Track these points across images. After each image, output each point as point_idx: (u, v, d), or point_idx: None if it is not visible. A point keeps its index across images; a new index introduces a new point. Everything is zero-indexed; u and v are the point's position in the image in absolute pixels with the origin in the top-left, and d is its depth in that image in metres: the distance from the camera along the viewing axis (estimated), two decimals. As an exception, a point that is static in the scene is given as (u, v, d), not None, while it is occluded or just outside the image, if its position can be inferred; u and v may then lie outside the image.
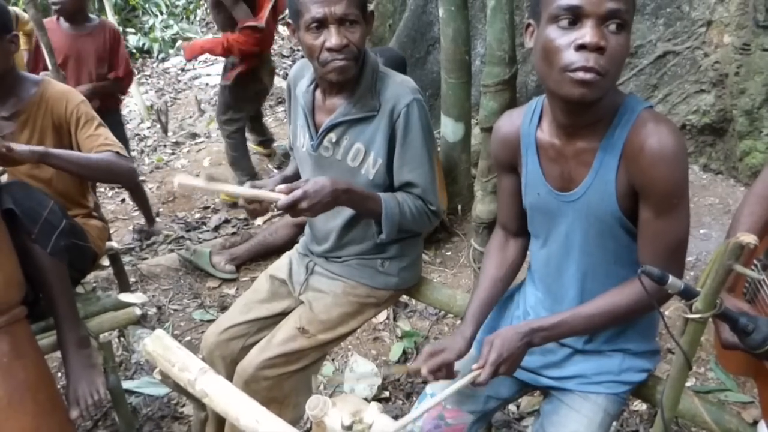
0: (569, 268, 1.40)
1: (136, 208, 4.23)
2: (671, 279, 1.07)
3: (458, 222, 3.50)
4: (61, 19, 3.25)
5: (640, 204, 1.24)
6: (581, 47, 1.11)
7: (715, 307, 1.07)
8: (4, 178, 1.96)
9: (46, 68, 3.16)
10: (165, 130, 4.79)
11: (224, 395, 1.30)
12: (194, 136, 5.51)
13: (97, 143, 1.99)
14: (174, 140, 5.37)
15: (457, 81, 3.21)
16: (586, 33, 1.11)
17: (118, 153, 1.98)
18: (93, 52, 3.31)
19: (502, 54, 1.86)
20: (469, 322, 1.46)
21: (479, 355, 1.35)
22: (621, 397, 1.44)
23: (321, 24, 1.49)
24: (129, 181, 2.09)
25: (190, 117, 5.95)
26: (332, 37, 1.49)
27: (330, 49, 1.50)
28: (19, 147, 1.72)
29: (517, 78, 2.17)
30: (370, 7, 1.59)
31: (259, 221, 3.92)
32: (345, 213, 1.68)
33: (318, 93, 1.69)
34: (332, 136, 1.65)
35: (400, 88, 1.61)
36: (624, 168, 1.23)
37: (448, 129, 3.33)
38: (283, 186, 1.45)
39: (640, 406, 2.23)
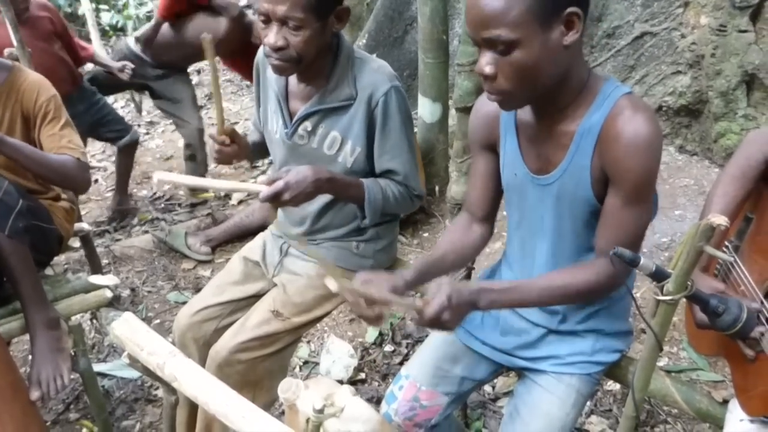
0: (541, 250, 1.40)
1: (110, 188, 4.16)
2: (643, 260, 1.07)
3: (436, 203, 3.49)
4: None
5: (609, 190, 1.23)
6: (480, 74, 1.18)
7: (686, 289, 1.07)
8: None
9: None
10: (139, 110, 4.70)
11: (194, 379, 1.28)
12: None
13: (58, 143, 1.92)
14: (148, 120, 5.27)
15: (434, 61, 3.18)
16: (480, 61, 1.16)
17: (78, 159, 1.92)
18: (41, 39, 3.18)
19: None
20: (412, 271, 1.38)
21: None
22: (594, 378, 1.45)
23: (267, 18, 1.46)
24: (80, 190, 2.07)
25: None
26: (269, 36, 1.46)
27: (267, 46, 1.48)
28: None
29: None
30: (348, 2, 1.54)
31: (234, 201, 3.88)
32: (321, 198, 1.66)
33: (291, 78, 1.66)
34: (307, 124, 1.62)
35: (377, 75, 1.58)
36: (598, 153, 1.22)
37: (426, 110, 3.30)
38: (264, 177, 1.44)
39: (613, 386, 2.26)
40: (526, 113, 1.33)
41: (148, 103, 5.63)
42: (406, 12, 4.67)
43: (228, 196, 3.92)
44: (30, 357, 2.43)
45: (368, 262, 1.77)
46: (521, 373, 1.52)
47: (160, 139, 4.96)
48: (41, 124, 1.94)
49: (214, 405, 1.24)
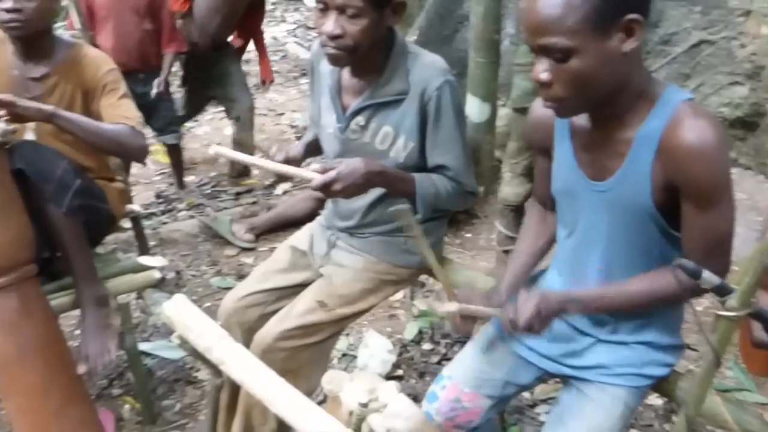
0: (594, 259, 1.37)
1: (159, 172, 4.25)
2: (705, 274, 1.04)
3: (479, 203, 3.46)
4: None
5: (682, 199, 1.20)
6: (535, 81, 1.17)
7: (749, 306, 1.04)
8: (31, 136, 1.95)
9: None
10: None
11: (242, 363, 1.30)
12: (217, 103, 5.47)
13: (115, 113, 1.96)
14: (197, 107, 5.35)
15: (485, 61, 3.16)
16: (536, 68, 1.14)
17: (133, 128, 1.95)
18: (132, 9, 3.30)
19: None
20: (504, 293, 1.47)
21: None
22: (642, 391, 1.42)
23: (325, 7, 1.47)
24: (138, 158, 2.06)
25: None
26: (327, 24, 1.46)
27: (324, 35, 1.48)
28: (26, 103, 1.69)
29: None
30: None
31: (279, 191, 3.91)
32: (371, 193, 1.66)
33: (344, 72, 1.67)
34: (360, 119, 1.63)
35: (430, 69, 1.58)
36: (661, 162, 1.19)
37: (474, 109, 3.27)
38: (317, 165, 1.45)
39: (655, 400, 2.21)
40: (581, 119, 1.31)
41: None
42: (458, 10, 4.64)
43: (273, 185, 3.96)
44: (76, 332, 2.50)
45: (415, 258, 1.77)
46: (566, 380, 1.50)
47: (207, 126, 5.03)
48: (101, 95, 1.99)
49: (261, 390, 1.25)
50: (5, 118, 1.59)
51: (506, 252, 2.00)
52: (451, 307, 1.36)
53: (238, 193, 3.90)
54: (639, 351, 1.40)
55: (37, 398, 1.58)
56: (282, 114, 5.27)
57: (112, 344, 1.85)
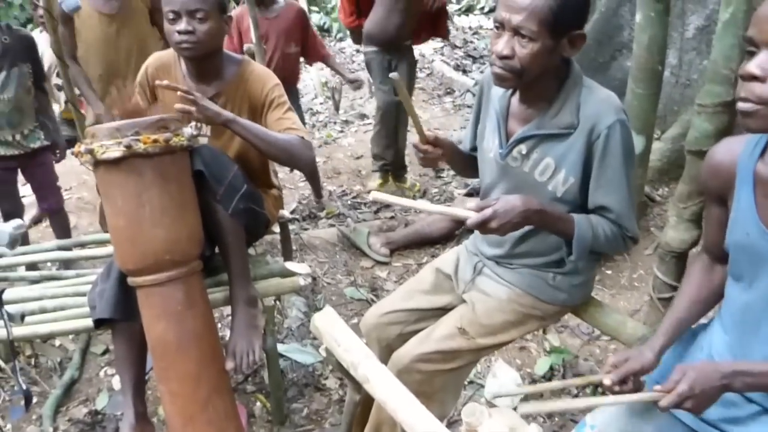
0: None
1: (303, 178, 4.43)
2: None
3: (624, 240, 3.31)
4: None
5: None
6: (742, 76, 1.09)
7: None
8: (204, 140, 2.10)
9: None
10: (337, 108, 5.00)
11: (385, 385, 1.31)
12: (363, 116, 5.67)
13: (284, 126, 2.04)
14: (344, 119, 5.55)
15: (645, 92, 3.01)
16: (753, 61, 1.06)
17: (302, 138, 2.02)
18: (281, 32, 3.54)
19: (728, 73, 1.67)
20: (660, 336, 1.39)
21: (665, 375, 1.27)
22: (814, 472, 1.27)
23: (501, 26, 1.46)
24: (307, 168, 2.12)
25: (361, 98, 6.12)
26: (498, 44, 1.46)
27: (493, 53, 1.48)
28: (207, 103, 1.78)
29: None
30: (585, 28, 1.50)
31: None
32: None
33: (513, 99, 1.65)
34: (522, 147, 1.60)
35: (603, 105, 1.52)
36: None
37: (629, 141, 3.13)
38: (473, 204, 1.45)
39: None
40: None
41: (345, 102, 5.96)
42: (617, 37, 4.48)
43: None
44: (220, 325, 2.65)
45: (562, 295, 1.71)
46: (721, 447, 1.38)
47: (352, 138, 5.19)
48: (267, 110, 2.08)
49: (402, 414, 1.26)
50: (192, 123, 1.72)
51: (661, 299, 1.88)
52: None
53: (378, 209, 3.98)
54: (816, 429, 1.27)
55: (189, 386, 1.68)
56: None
57: (258, 344, 1.93)
